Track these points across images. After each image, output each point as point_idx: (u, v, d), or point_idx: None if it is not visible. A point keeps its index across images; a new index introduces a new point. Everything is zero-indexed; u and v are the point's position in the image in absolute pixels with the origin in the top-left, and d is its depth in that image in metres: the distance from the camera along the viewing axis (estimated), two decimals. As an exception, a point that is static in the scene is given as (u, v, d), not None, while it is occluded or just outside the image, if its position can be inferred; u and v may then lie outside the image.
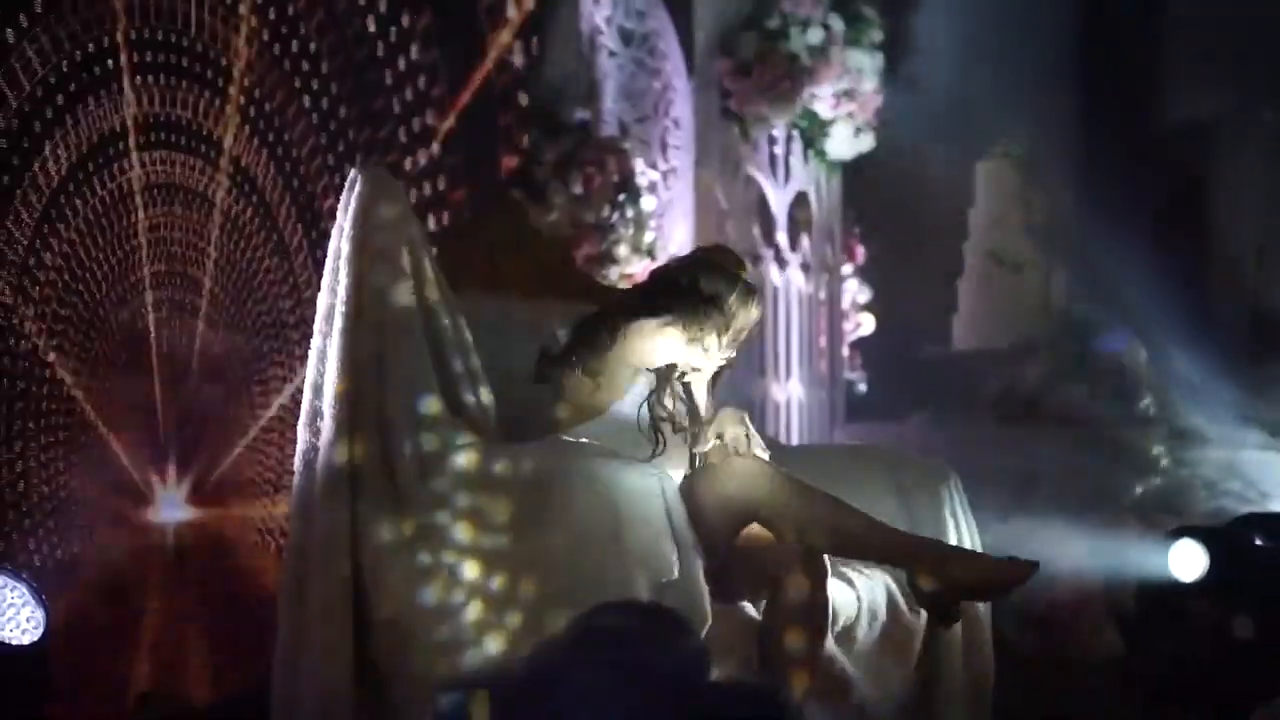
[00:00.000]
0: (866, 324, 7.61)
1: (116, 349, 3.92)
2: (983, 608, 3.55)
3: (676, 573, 2.77)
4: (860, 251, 7.61)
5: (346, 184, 3.05)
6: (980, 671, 3.56)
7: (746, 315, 3.16)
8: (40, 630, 3.14)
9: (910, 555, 3.05)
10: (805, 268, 6.75)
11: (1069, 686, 5.14)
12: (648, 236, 5.53)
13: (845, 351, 7.31)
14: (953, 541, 3.50)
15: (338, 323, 2.98)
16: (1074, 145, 8.47)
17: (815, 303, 6.84)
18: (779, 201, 6.61)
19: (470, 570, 2.85)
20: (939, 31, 8.40)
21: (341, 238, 3.03)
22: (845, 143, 6.55)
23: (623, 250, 5.38)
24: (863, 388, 7.64)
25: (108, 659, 3.86)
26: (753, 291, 3.18)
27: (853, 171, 7.14)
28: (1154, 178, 8.09)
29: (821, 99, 6.36)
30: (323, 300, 3.03)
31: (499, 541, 2.85)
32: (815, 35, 6.24)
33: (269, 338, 4.25)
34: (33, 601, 3.13)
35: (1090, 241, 7.55)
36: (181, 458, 4.05)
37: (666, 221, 6.20)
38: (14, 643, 3.10)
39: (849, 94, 6.40)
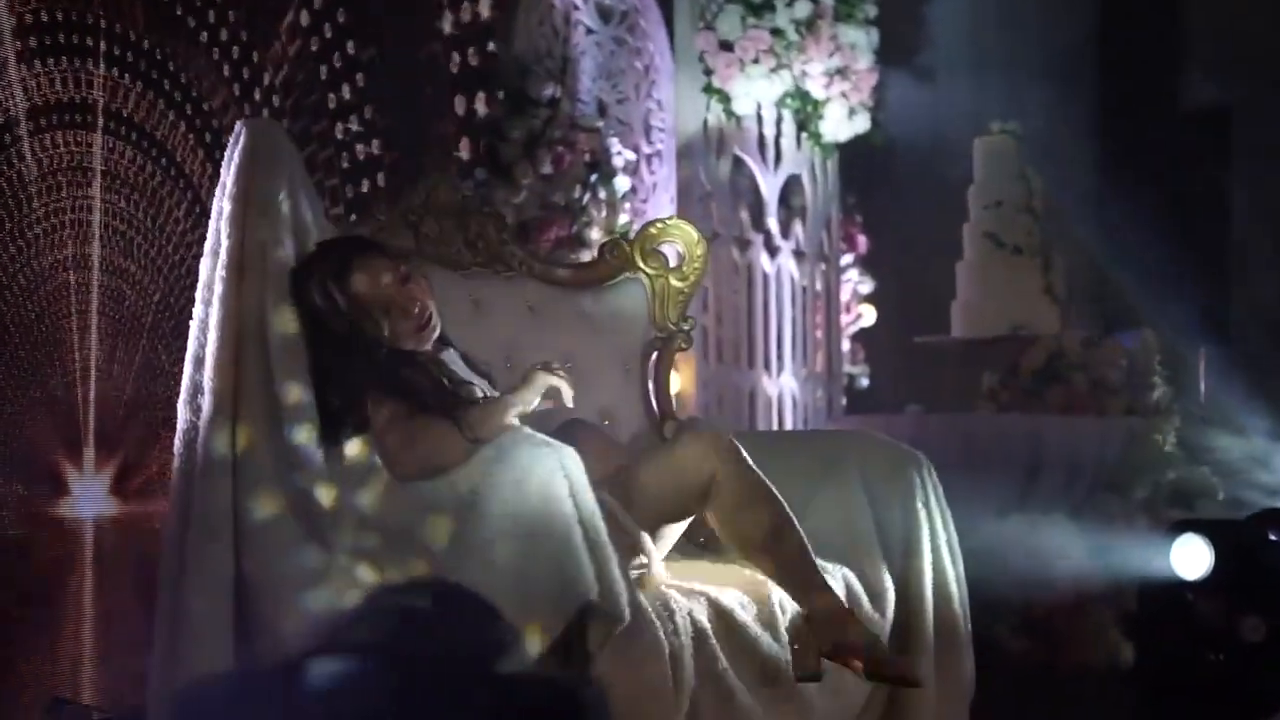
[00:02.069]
0: (867, 316, 7.31)
1: (25, 325, 3.65)
2: (959, 605, 3.27)
3: (585, 557, 2.49)
4: (862, 240, 7.31)
5: (231, 137, 2.80)
6: (957, 678, 3.26)
7: (370, 269, 2.84)
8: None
9: (806, 592, 2.82)
10: (799, 255, 6.44)
11: (1067, 694, 4.87)
12: (621, 219, 5.25)
13: (845, 344, 7.01)
14: (925, 534, 3.24)
15: (218, 288, 2.73)
16: (1088, 128, 8.19)
17: (811, 293, 6.53)
18: (769, 185, 6.31)
19: (357, 547, 2.61)
20: (955, 20, 8.15)
21: (224, 195, 2.77)
22: (840, 124, 6.23)
23: (594, 233, 5.09)
24: (865, 382, 7.34)
25: (18, 662, 3.62)
26: (347, 253, 2.85)
27: (862, 157, 6.83)
28: (1170, 164, 7.81)
29: (813, 77, 6.06)
30: (205, 265, 2.78)
31: (383, 515, 2.63)
32: (802, 9, 5.94)
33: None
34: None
35: (1100, 227, 7.28)
36: (102, 444, 3.78)
37: (651, 205, 5.92)
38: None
39: (842, 72, 6.09)
